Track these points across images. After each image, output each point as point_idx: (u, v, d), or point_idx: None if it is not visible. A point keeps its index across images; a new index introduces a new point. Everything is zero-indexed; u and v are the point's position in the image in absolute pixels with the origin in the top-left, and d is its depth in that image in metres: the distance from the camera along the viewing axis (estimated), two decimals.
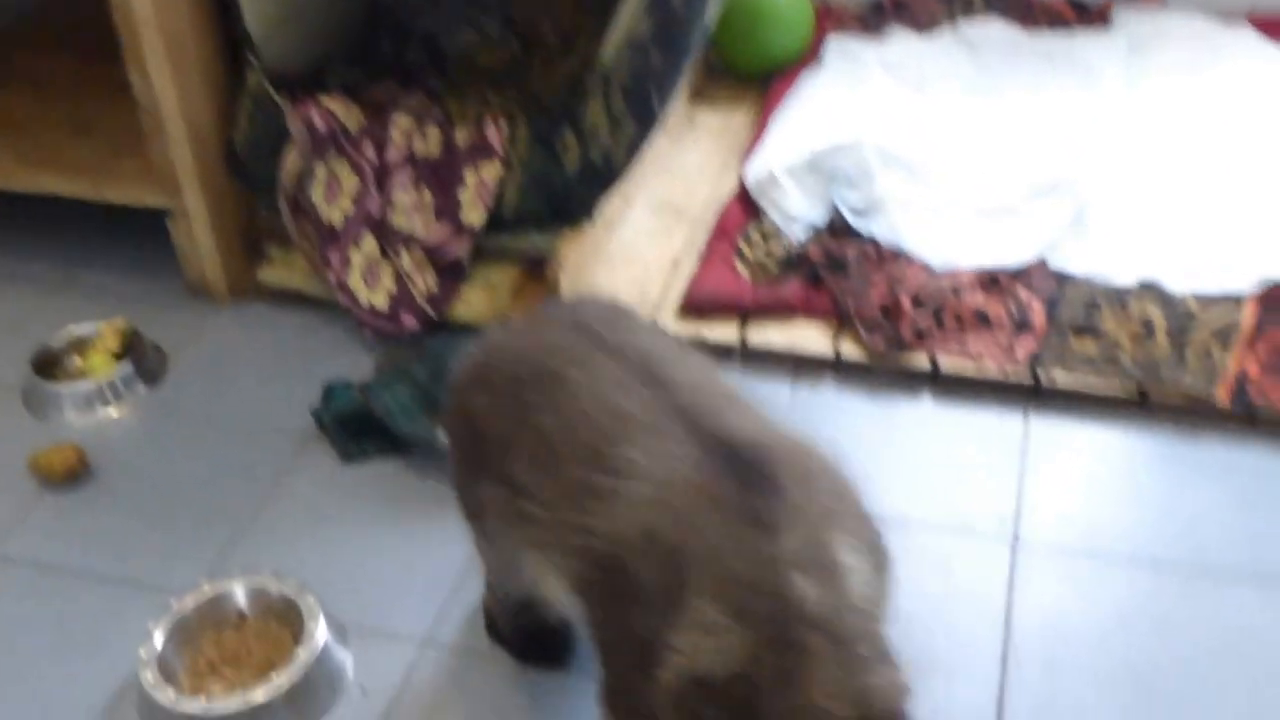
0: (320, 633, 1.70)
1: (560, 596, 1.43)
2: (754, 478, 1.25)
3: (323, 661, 1.69)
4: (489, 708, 1.65)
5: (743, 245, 2.28)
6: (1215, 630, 1.65)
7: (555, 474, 1.38)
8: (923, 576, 1.64)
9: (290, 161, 2.21)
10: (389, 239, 2.22)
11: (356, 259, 2.20)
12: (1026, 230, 2.23)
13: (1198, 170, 2.35)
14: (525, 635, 1.70)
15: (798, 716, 1.16)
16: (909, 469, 1.93)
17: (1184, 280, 2.10)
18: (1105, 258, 2.16)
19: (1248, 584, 1.71)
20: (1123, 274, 2.12)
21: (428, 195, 2.19)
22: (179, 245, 2.36)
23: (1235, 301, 2.05)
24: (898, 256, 2.20)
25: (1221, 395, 1.91)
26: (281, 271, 2.36)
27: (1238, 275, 2.10)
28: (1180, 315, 2.04)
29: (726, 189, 2.47)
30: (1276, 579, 1.71)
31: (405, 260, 2.20)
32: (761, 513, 1.22)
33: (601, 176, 2.18)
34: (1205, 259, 2.14)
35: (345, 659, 1.72)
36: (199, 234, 2.32)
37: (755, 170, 2.42)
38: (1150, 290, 2.09)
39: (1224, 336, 1.99)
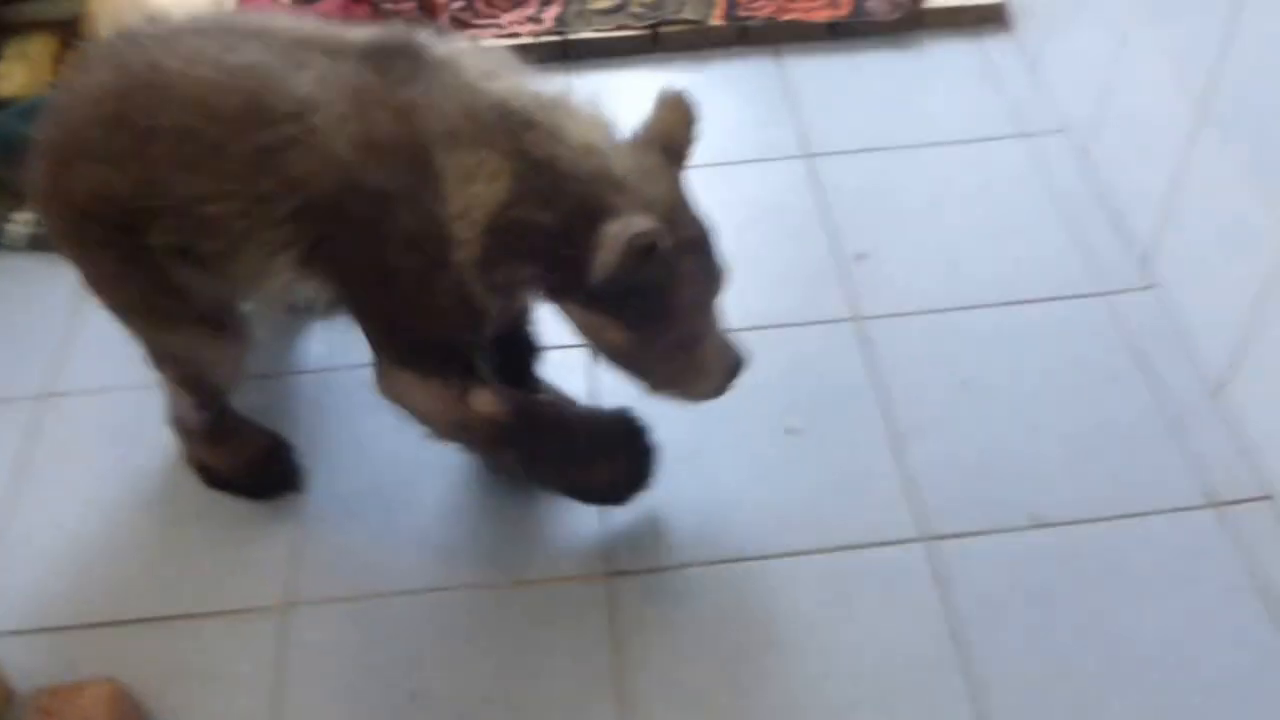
0: None
1: (293, 277, 1.35)
2: (406, 49, 1.29)
3: None
4: (124, 444, 1.68)
5: None
6: (731, 202, 1.91)
7: (221, 158, 1.29)
8: None
9: None
10: None
11: None
12: None
13: None
14: (248, 465, 1.61)
15: (588, 154, 1.26)
16: None
17: None
18: None
19: (762, 163, 2.02)
20: None
21: None
22: None
23: None
24: None
25: (717, 18, 2.19)
26: None
27: None
28: None
29: None
30: (777, 152, 2.03)
31: None
32: (432, 66, 1.28)
33: None
34: None
35: None
36: None
37: None
38: None
39: None
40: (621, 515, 1.54)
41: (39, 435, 1.70)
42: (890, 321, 1.76)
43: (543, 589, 1.49)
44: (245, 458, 1.61)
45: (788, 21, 2.19)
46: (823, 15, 2.20)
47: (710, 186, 1.99)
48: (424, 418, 1.43)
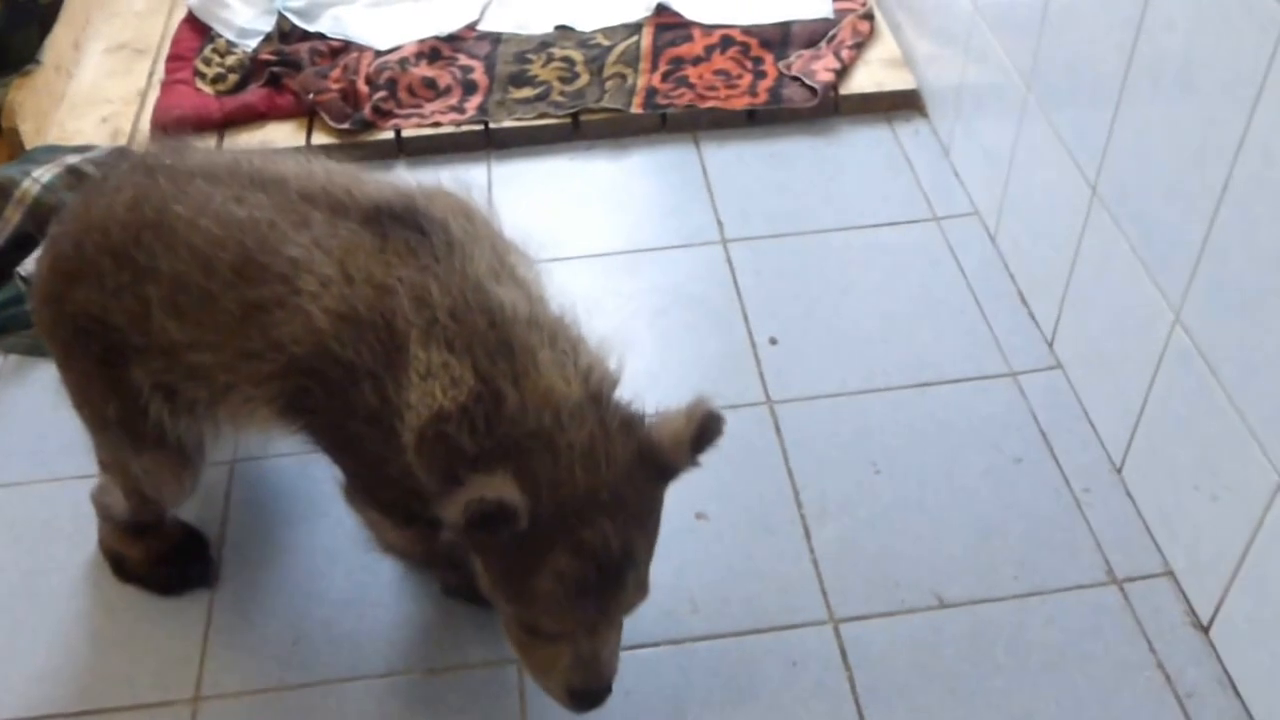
0: None
1: (272, 426, 1.36)
2: (417, 223, 1.24)
3: None
4: (34, 536, 1.66)
5: (200, 65, 2.34)
6: (648, 288, 1.98)
7: (212, 310, 1.28)
8: None
9: None
10: None
11: None
12: (455, 6, 2.46)
13: None
14: (162, 560, 1.60)
15: (538, 406, 1.17)
16: None
17: (591, 20, 2.42)
18: (524, 14, 2.44)
19: (680, 249, 2.06)
20: (540, 24, 2.41)
21: None
22: None
23: (635, 28, 2.40)
24: (347, 47, 2.37)
25: (637, 106, 2.24)
26: None
27: (634, 6, 2.44)
28: (593, 49, 2.36)
29: (176, 22, 2.50)
30: (695, 237, 2.06)
31: None
32: (438, 249, 1.23)
33: (32, 13, 2.16)
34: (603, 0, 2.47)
35: None
36: None
37: None
38: (566, 33, 2.39)
39: (630, 59, 2.34)
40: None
41: None
42: (801, 405, 1.78)
43: (454, 676, 1.49)
44: (159, 553, 1.60)
45: (706, 109, 2.24)
46: (741, 103, 2.25)
47: (629, 272, 2.05)
48: (374, 535, 1.45)
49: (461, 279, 1.22)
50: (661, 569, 1.57)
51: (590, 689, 1.25)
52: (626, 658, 1.47)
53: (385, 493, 1.34)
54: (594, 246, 2.08)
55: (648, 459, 1.20)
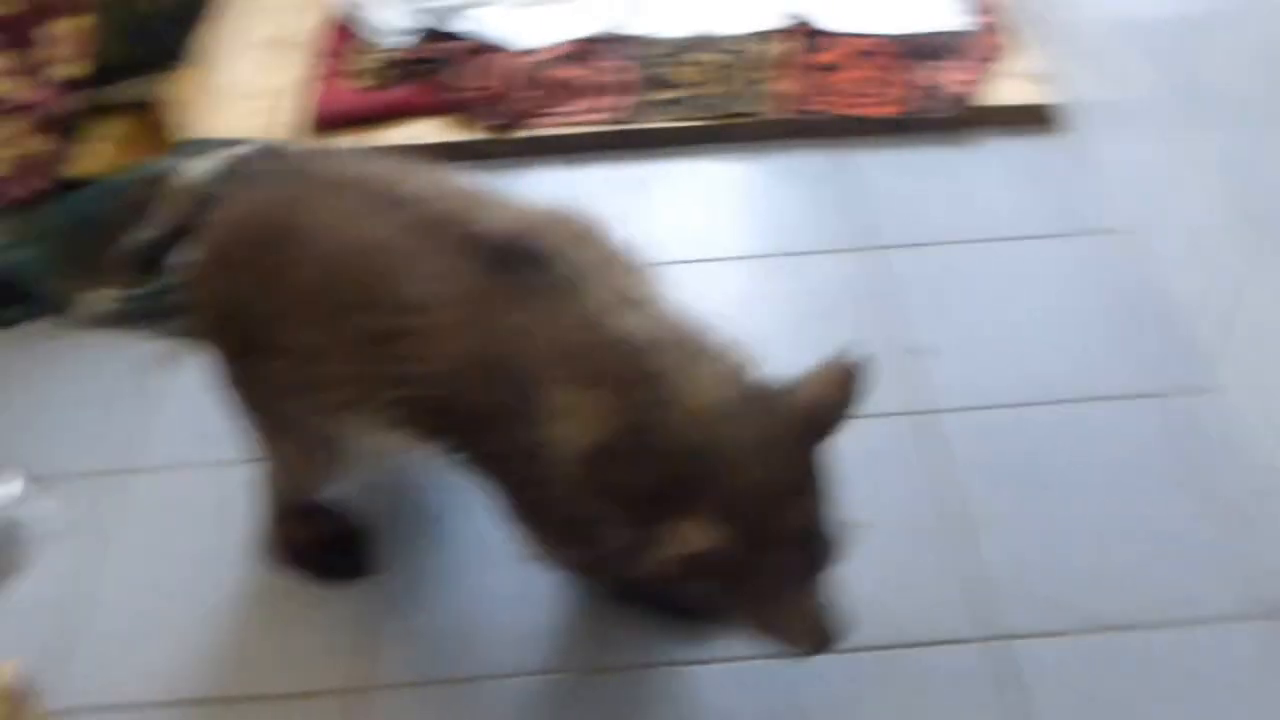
0: (7, 482, 1.63)
1: (408, 442, 1.38)
2: (534, 260, 1.25)
3: (12, 511, 1.60)
4: (205, 514, 1.71)
5: (354, 62, 2.38)
6: (791, 293, 1.99)
7: (337, 327, 1.30)
8: None
9: None
10: None
11: None
12: (593, 9, 2.48)
13: None
14: (325, 548, 1.63)
15: (697, 422, 1.17)
16: None
17: (728, 27, 2.44)
18: (660, 21, 2.46)
19: (820, 255, 2.07)
20: (678, 30, 2.43)
21: (10, 57, 2.13)
22: None
23: (768, 35, 2.41)
24: (491, 46, 2.40)
25: (776, 112, 2.25)
26: None
27: (771, 16, 2.45)
28: (732, 54, 2.38)
29: (325, 21, 2.53)
30: (833, 245, 2.07)
31: (6, 127, 2.13)
32: (560, 286, 1.23)
33: (188, 9, 2.21)
34: (742, 8, 2.47)
35: (44, 506, 1.68)
36: None
37: None
38: (704, 41, 2.42)
39: (769, 66, 2.34)
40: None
41: (114, 511, 1.73)
42: (952, 416, 1.78)
43: (614, 677, 1.51)
44: (322, 538, 1.63)
45: (844, 117, 2.25)
46: (878, 112, 2.25)
47: (771, 277, 2.06)
48: (532, 548, 1.45)
49: (584, 314, 1.22)
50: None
51: (826, 642, 1.29)
52: (780, 665, 1.48)
53: (543, 514, 1.35)
54: (736, 249, 2.10)
55: (804, 429, 1.22)
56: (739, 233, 2.15)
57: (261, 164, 1.49)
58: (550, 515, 1.34)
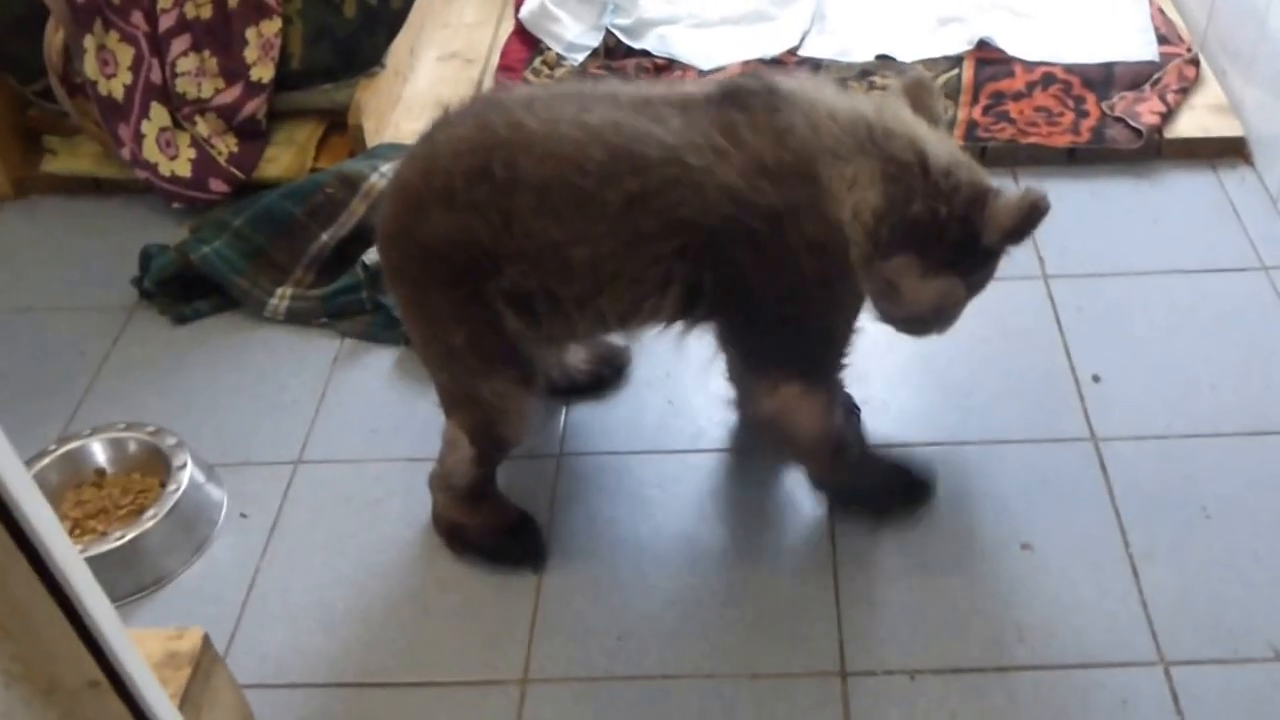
0: (186, 467, 1.73)
1: (660, 314, 1.47)
2: (763, 87, 1.40)
3: (193, 495, 1.71)
4: (372, 508, 1.75)
5: (529, 76, 2.43)
6: (980, 310, 1.89)
7: (591, 205, 1.37)
8: None
9: (53, 36, 2.17)
10: (179, 107, 2.24)
11: (149, 130, 2.21)
12: (777, 30, 2.49)
13: None
14: (498, 531, 1.66)
15: (939, 169, 1.39)
16: None
17: (912, 51, 2.41)
18: (845, 43, 2.44)
19: (1002, 281, 1.96)
20: (862, 53, 2.41)
21: (210, 58, 2.23)
22: None
23: (956, 61, 2.38)
24: (671, 64, 2.42)
25: (958, 138, 2.20)
26: (67, 160, 2.34)
27: (955, 40, 2.42)
28: None
29: (505, 34, 2.61)
30: (1015, 271, 2.00)
31: (201, 126, 2.23)
32: (793, 95, 1.39)
33: (382, 19, 2.28)
34: (926, 31, 2.45)
35: (218, 493, 1.77)
36: None
37: (529, 6, 2.58)
38: (886, 62, 2.39)
39: (951, 92, 2.32)
40: (858, 617, 1.54)
41: (292, 499, 1.77)
42: (1127, 444, 1.73)
43: (776, 683, 1.48)
44: (496, 524, 1.65)
45: (1028, 144, 2.21)
46: (1063, 140, 2.21)
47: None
48: (799, 431, 1.55)
49: (820, 107, 1.39)
50: (986, 596, 1.57)
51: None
52: (950, 679, 1.48)
53: (826, 341, 1.49)
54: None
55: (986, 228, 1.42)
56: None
57: (466, 106, 1.51)
58: (838, 325, 1.49)
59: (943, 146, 1.42)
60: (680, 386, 1.88)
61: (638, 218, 1.37)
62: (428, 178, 1.44)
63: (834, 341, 1.51)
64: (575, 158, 1.38)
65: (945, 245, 1.41)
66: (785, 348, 1.49)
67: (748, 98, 1.39)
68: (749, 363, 1.52)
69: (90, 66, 2.16)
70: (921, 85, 1.50)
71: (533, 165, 1.38)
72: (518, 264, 1.42)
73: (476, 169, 1.40)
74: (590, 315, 1.47)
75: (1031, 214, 1.39)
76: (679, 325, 1.51)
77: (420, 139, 1.51)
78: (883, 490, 1.66)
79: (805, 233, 1.38)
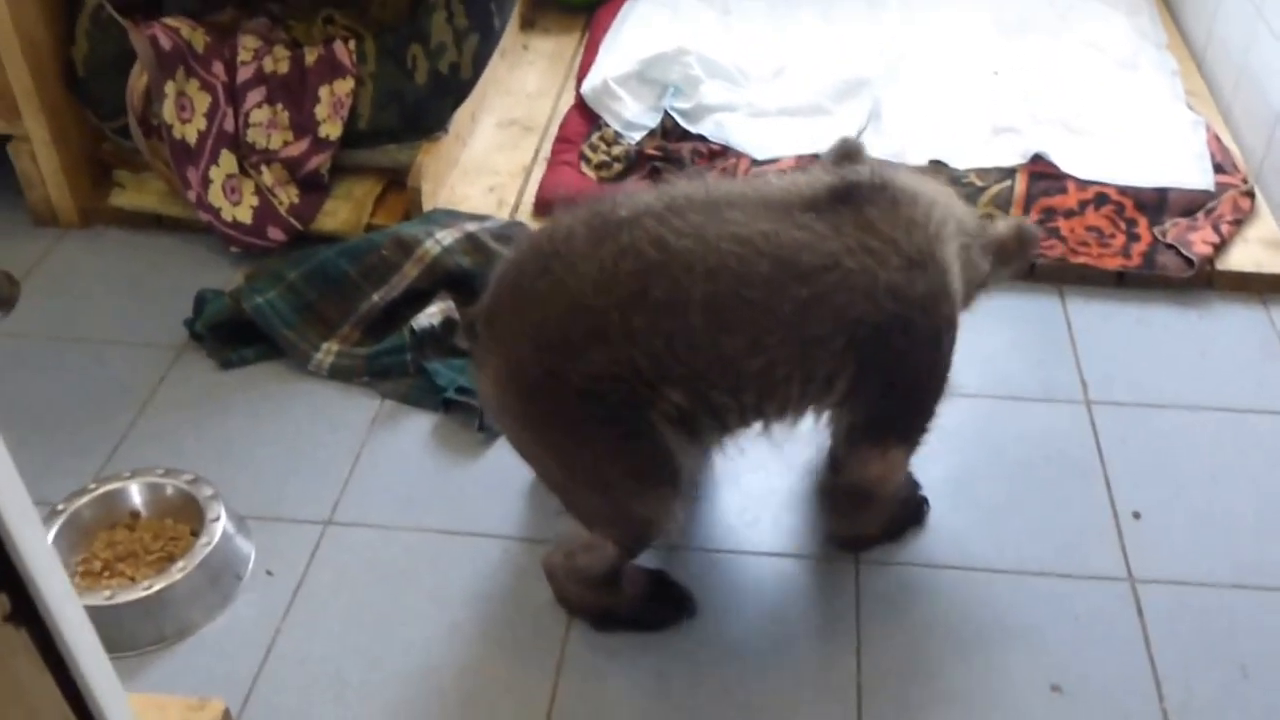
0: (220, 520, 1.74)
1: (815, 403, 1.53)
2: (873, 183, 1.49)
3: (223, 548, 1.72)
4: (397, 578, 1.74)
5: (586, 150, 2.46)
6: (1019, 432, 1.94)
7: (763, 315, 1.41)
8: None
9: (137, 80, 2.23)
10: (248, 155, 2.28)
11: (216, 176, 2.25)
12: (833, 125, 2.50)
13: (967, 72, 2.69)
14: (650, 597, 1.67)
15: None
16: None
17: (965, 158, 2.42)
18: (900, 144, 2.45)
19: (1042, 403, 2.02)
20: (915, 156, 2.42)
21: (283, 111, 2.27)
22: (21, 171, 2.34)
23: (1009, 173, 2.39)
24: (726, 151, 2.44)
25: None
26: (134, 195, 2.38)
27: (1009, 152, 2.43)
28: (966, 186, 2.36)
29: (565, 106, 2.65)
30: (1058, 393, 2.02)
31: (266, 176, 2.27)
32: (902, 186, 1.50)
33: (451, 87, 2.31)
34: (981, 140, 2.47)
35: (247, 546, 1.78)
36: (42, 159, 2.31)
37: (591, 82, 2.61)
38: (939, 167, 2.40)
39: (1003, 203, 2.33)
40: None
41: (319, 560, 1.77)
42: (1165, 589, 1.71)
43: None
44: (644, 592, 1.67)
45: (1077, 264, 2.21)
46: (1113, 263, 2.21)
47: (989, 418, 2.02)
48: (889, 489, 1.67)
49: (923, 198, 1.51)
50: None
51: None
52: None
53: (936, 402, 1.58)
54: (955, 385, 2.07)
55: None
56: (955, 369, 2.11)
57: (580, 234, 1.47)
58: (942, 389, 1.58)
59: (967, 210, 1.61)
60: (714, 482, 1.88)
61: (809, 323, 1.43)
62: (572, 322, 1.41)
63: (939, 403, 1.61)
64: (740, 271, 1.40)
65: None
66: (908, 414, 1.58)
67: (872, 194, 1.47)
68: (869, 431, 1.56)
69: (168, 111, 2.20)
70: (1023, 237, 1.65)
71: (697, 284, 1.39)
72: (682, 385, 1.43)
73: (628, 297, 1.39)
74: (751, 416, 1.52)
75: (1022, 237, 1.62)
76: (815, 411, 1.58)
77: (527, 272, 1.45)
78: (893, 524, 1.78)
79: (944, 313, 1.51)
